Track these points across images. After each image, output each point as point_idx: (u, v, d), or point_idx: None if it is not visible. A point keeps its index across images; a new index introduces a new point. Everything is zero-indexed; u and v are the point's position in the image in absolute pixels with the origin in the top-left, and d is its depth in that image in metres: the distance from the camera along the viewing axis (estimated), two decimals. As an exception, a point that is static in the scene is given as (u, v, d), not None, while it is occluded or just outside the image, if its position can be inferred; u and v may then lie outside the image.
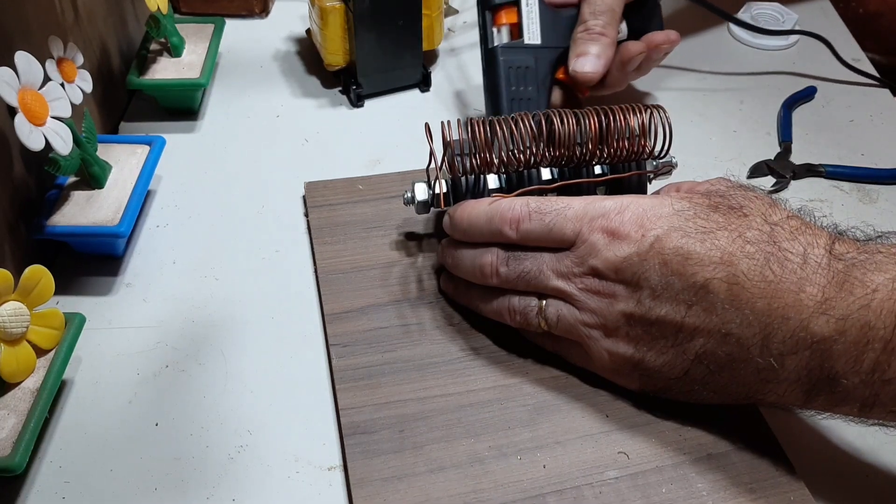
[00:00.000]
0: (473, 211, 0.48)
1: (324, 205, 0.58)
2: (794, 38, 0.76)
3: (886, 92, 0.72)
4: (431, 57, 0.74)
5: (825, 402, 0.40)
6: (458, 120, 0.50)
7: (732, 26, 0.78)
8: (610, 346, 0.44)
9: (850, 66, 0.72)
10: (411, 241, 0.56)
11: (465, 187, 0.51)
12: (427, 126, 0.51)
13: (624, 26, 0.62)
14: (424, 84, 0.70)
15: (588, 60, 0.58)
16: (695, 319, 0.41)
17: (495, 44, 0.59)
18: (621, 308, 0.43)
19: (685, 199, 0.44)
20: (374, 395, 0.47)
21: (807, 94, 0.71)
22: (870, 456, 0.46)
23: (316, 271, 0.54)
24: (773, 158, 0.65)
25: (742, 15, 0.77)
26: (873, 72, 0.74)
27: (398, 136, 0.66)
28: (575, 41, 0.59)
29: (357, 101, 0.69)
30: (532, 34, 0.59)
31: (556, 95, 0.62)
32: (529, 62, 0.59)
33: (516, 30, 0.59)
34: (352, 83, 0.68)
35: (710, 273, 0.41)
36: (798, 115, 0.69)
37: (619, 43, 0.61)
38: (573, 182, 0.50)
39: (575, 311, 0.45)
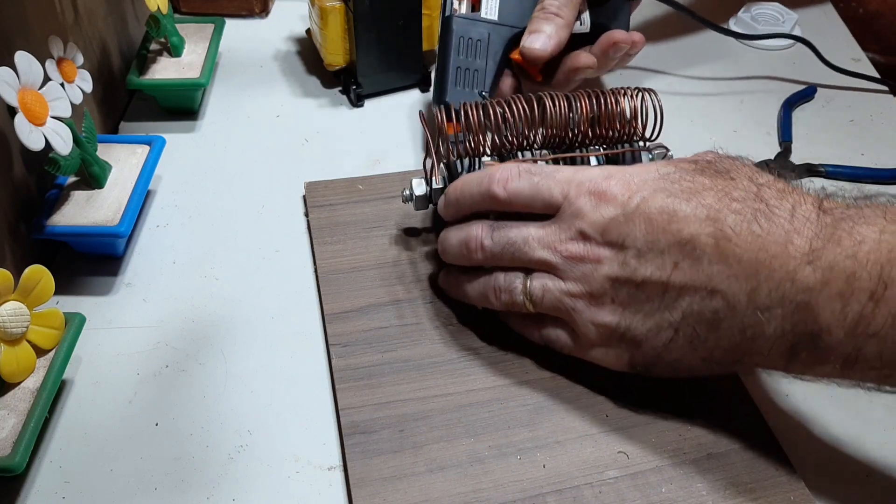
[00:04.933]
0: (466, 177, 0.49)
1: (324, 205, 0.58)
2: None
3: (887, 91, 0.72)
4: (431, 57, 0.74)
5: (807, 359, 0.40)
6: (452, 104, 0.50)
7: (733, 25, 0.78)
8: (595, 317, 0.44)
9: (838, 68, 0.72)
10: (411, 241, 0.56)
11: (460, 174, 0.51)
12: (421, 114, 0.52)
13: (587, 18, 0.61)
14: (424, 84, 0.70)
15: (539, 38, 0.58)
16: (681, 277, 0.41)
17: (452, 12, 0.60)
18: (606, 272, 0.43)
19: (671, 164, 0.44)
20: (374, 394, 0.47)
21: (807, 94, 0.71)
22: (870, 456, 0.46)
23: (316, 271, 0.54)
24: (773, 158, 0.65)
25: (742, 15, 0.77)
26: (873, 72, 0.74)
27: (398, 136, 0.66)
28: (531, 20, 0.60)
29: (357, 101, 0.69)
30: (489, 9, 0.60)
31: (507, 83, 0.62)
32: (483, 35, 0.59)
33: (477, 2, 0.60)
34: (352, 83, 0.68)
35: (697, 229, 0.41)
36: (798, 115, 0.69)
37: (578, 37, 0.60)
38: (567, 156, 0.51)
39: (560, 282, 0.45)
